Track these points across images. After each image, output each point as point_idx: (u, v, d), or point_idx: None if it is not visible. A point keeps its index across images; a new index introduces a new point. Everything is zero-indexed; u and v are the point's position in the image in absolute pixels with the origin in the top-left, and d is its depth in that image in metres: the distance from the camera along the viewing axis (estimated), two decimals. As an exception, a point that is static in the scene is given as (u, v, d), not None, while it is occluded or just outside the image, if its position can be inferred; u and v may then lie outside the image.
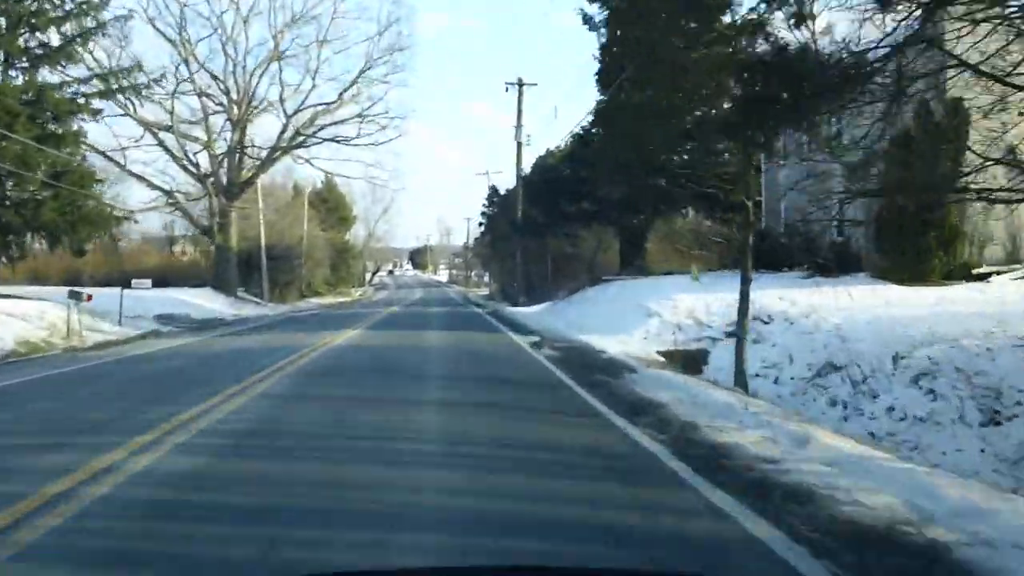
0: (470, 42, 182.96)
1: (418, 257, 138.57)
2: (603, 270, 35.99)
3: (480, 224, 50.71)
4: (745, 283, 12.46)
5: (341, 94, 38.90)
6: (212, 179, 39.57)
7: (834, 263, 21.54)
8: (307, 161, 42.86)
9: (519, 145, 35.37)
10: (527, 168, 36.06)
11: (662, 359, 15.59)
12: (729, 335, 16.65)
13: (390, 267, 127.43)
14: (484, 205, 47.83)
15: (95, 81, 27.21)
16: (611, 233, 31.11)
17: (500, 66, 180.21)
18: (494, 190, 45.88)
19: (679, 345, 16.62)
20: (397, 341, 17.14)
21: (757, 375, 13.85)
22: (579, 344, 16.30)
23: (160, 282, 42.50)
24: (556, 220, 29.33)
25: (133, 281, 23.79)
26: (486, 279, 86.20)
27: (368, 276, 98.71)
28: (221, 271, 40.23)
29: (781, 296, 16.86)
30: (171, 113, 36.56)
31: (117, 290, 38.94)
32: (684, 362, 15.80)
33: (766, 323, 16.60)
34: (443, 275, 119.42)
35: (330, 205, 69.87)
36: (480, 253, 67.54)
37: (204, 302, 35.12)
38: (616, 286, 23.91)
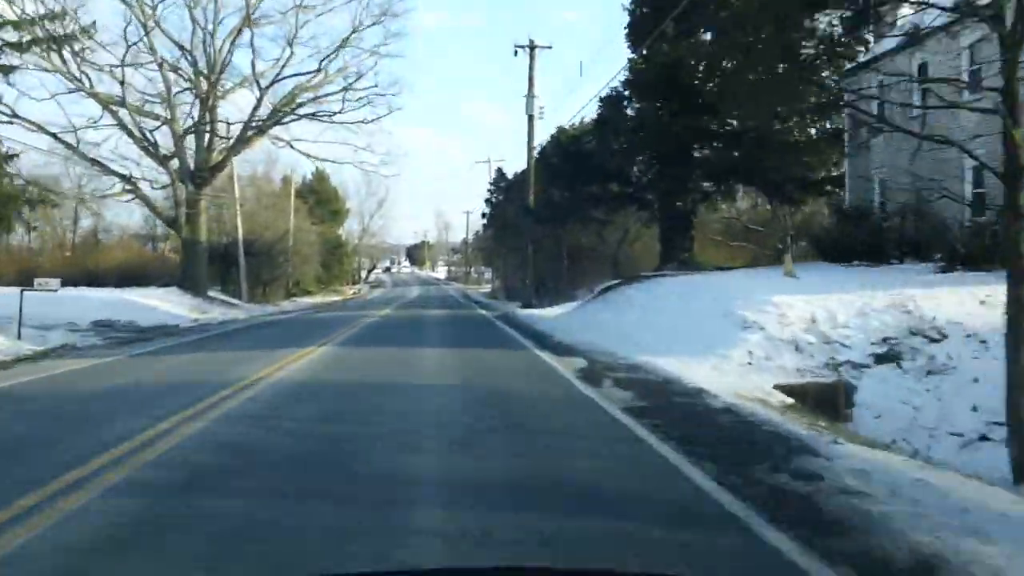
0: (468, 40, 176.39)
1: (416, 253, 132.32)
2: (631, 265, 30.00)
3: (483, 215, 44.45)
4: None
5: (322, 63, 32.81)
6: (177, 162, 33.48)
7: (966, 252, 15.63)
8: (288, 144, 36.70)
9: (530, 118, 29.32)
10: (538, 152, 30.00)
11: (788, 399, 9.66)
12: (881, 359, 10.69)
13: (387, 264, 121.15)
14: (489, 190, 41.45)
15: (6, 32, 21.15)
16: (641, 220, 25.14)
17: (499, 65, 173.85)
18: (500, 173, 39.56)
19: (803, 374, 10.66)
20: (377, 371, 11.09)
21: (984, 438, 7.93)
22: (655, 374, 10.36)
23: (130, 281, 36.54)
24: (578, 204, 23.40)
25: (36, 281, 17.76)
26: (487, 276, 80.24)
27: (364, 273, 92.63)
28: (189, 268, 34.16)
29: (984, 299, 10.90)
30: (122, 84, 30.43)
31: (69, 291, 32.75)
32: (819, 403, 9.87)
33: (936, 340, 10.65)
34: (441, 272, 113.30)
35: (321, 197, 63.80)
36: (482, 247, 61.33)
37: (164, 304, 29.14)
38: (665, 284, 17.97)
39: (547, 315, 23.82)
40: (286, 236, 47.32)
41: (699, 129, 20.97)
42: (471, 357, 12.83)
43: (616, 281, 22.90)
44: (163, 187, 35.24)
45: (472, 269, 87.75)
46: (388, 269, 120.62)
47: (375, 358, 12.60)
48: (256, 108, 33.43)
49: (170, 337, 19.43)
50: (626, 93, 22.11)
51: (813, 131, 21.51)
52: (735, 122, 21.96)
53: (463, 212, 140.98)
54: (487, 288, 65.92)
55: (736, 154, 21.75)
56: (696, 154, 22.55)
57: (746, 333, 11.88)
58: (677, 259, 21.88)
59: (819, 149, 20.93)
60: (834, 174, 21.50)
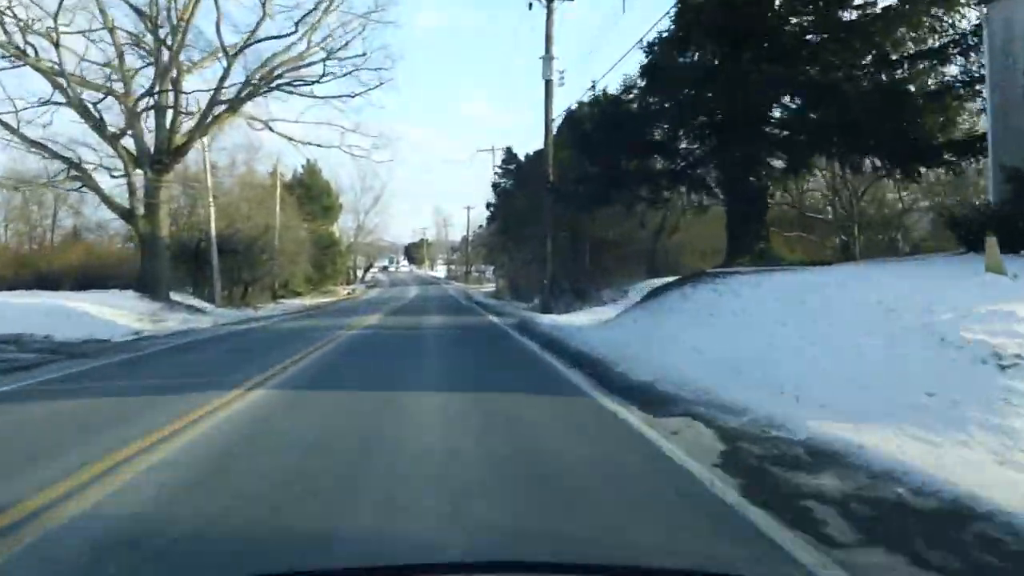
0: (465, 40, 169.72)
1: (414, 252, 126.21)
2: (672, 260, 24.29)
3: (488, 205, 38.41)
4: None
5: (298, 23, 27.02)
6: (134, 143, 27.71)
7: None
8: (266, 125, 30.97)
9: (548, 84, 23.54)
10: (564, 119, 24.20)
11: None
12: None
13: (384, 263, 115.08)
14: (496, 173, 35.25)
15: None
16: (691, 204, 19.35)
17: (497, 62, 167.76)
18: (510, 153, 33.34)
19: None
20: (311, 479, 5.18)
21: None
22: (905, 485, 4.62)
23: (92, 283, 30.75)
24: (619, 180, 17.62)
25: None
26: (488, 275, 74.40)
27: (360, 273, 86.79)
28: (148, 267, 28.38)
29: None
30: (57, 46, 24.62)
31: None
32: None
33: None
34: (440, 271, 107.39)
35: (312, 192, 57.93)
36: (485, 243, 55.37)
37: (109, 312, 23.42)
38: (765, 285, 12.22)
39: (576, 324, 18.07)
40: (269, 231, 41.46)
41: (784, 80, 15.22)
42: (498, 419, 6.99)
43: (670, 280, 17.21)
44: (122, 175, 29.31)
45: (472, 267, 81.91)
46: (385, 268, 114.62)
47: (325, 429, 6.72)
48: (223, 78, 27.63)
49: (76, 361, 13.74)
50: (679, 35, 16.33)
51: (930, 81, 15.80)
52: (813, 71, 16.28)
53: (464, 207, 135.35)
54: (489, 287, 60.09)
55: (814, 116, 16.05)
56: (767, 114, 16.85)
57: (1011, 378, 6.14)
58: (751, 251, 16.17)
59: (943, 105, 15.21)
60: (955, 137, 15.74)
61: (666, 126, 17.09)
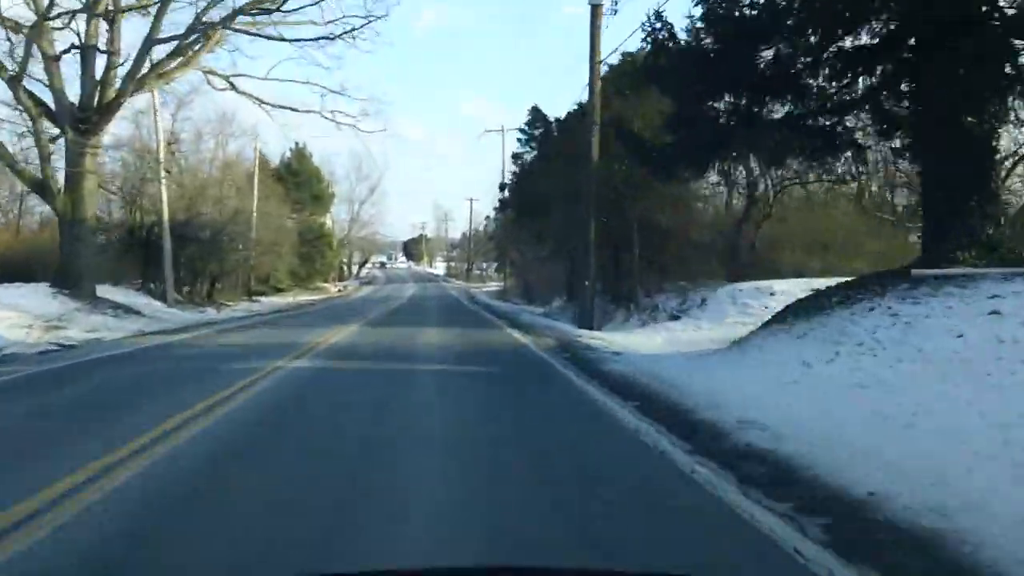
0: (463, 38, 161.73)
1: (413, 248, 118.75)
2: (762, 259, 17.20)
3: (502, 186, 31.11)
4: None
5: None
6: (51, 94, 20.60)
7: None
8: (227, 82, 23.90)
9: (595, 11, 16.43)
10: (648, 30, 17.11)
11: None
12: None
13: (382, 259, 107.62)
14: (520, 138, 27.37)
15: None
16: (827, 172, 12.27)
17: (496, 61, 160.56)
18: (537, 113, 25.48)
19: None
20: None
21: None
22: None
23: (15, 275, 23.69)
24: (726, 134, 10.62)
25: None
26: (491, 272, 67.40)
27: (356, 268, 79.56)
28: (68, 255, 21.14)
29: None
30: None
31: None
32: None
33: None
34: (440, 268, 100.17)
35: (300, 179, 50.76)
36: (494, 235, 47.97)
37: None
38: None
39: (656, 353, 11.04)
40: (242, 217, 34.22)
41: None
42: None
43: (822, 286, 10.21)
44: (52, 139, 21.96)
45: (473, 265, 74.79)
46: (383, 264, 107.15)
47: None
48: (162, 7, 20.38)
49: None
50: None
51: None
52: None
53: (466, 199, 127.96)
54: (493, 287, 53.04)
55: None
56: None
57: None
58: (975, 240, 9.16)
59: None
60: None
61: (816, 34, 10.04)
